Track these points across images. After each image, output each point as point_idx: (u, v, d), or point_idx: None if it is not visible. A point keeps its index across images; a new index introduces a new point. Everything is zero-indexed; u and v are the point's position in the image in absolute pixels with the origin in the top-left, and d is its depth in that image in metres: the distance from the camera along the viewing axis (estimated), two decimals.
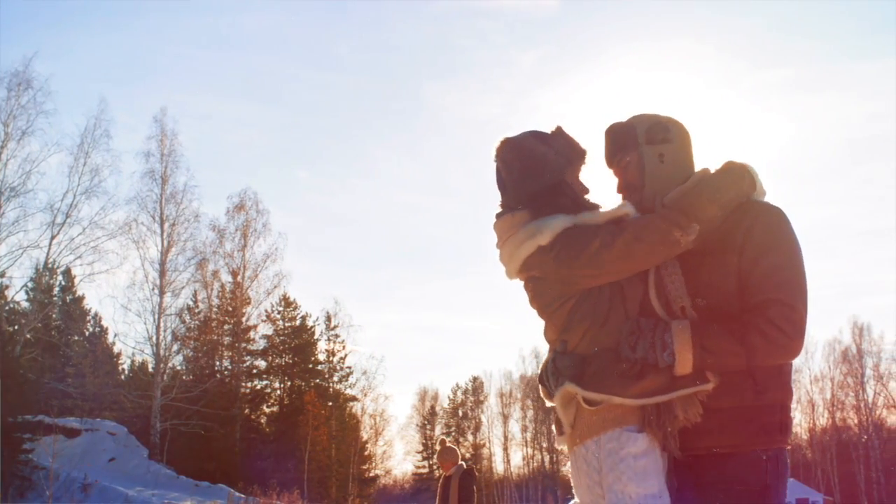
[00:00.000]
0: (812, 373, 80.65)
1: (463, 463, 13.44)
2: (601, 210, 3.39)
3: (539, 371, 3.62)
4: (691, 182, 3.44)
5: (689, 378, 3.20)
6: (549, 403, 3.53)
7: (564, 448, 3.52)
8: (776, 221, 3.34)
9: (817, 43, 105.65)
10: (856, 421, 79.11)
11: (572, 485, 3.50)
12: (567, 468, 3.50)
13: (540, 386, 3.61)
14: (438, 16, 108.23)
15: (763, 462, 3.23)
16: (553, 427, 3.62)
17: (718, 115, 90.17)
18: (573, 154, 3.47)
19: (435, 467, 75.04)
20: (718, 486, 3.22)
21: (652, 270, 3.36)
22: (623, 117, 3.61)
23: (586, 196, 3.49)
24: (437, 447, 14.19)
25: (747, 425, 3.23)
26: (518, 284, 3.48)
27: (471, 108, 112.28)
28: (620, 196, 3.57)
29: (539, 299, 3.45)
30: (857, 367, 78.90)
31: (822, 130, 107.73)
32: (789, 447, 3.38)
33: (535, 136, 3.48)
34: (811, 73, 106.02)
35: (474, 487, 13.17)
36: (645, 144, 3.51)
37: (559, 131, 3.51)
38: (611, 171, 3.66)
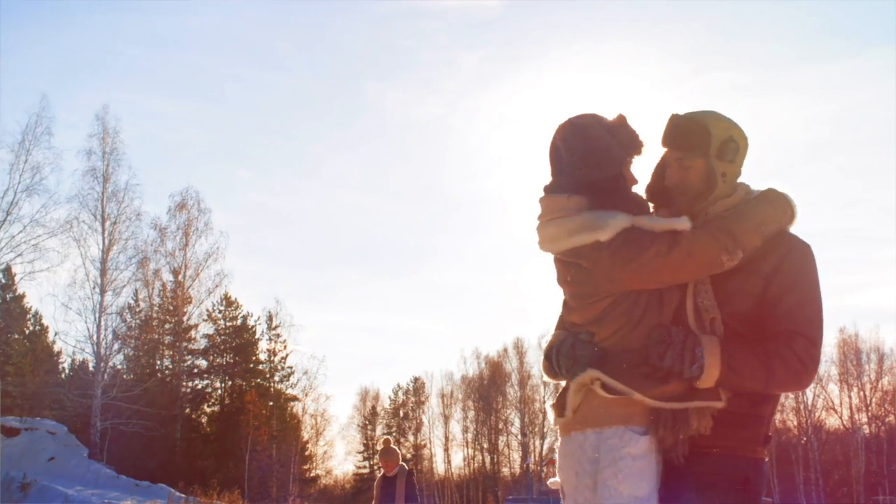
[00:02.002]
0: None
1: (404, 464, 13.56)
2: (658, 217, 3.44)
3: (547, 346, 3.64)
4: (737, 202, 3.54)
5: (707, 392, 3.31)
6: (546, 379, 3.63)
7: (557, 429, 3.63)
8: (807, 258, 3.46)
9: (759, 47, 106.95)
10: (795, 423, 79.84)
11: (557, 466, 3.59)
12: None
13: (544, 360, 3.65)
14: (381, 16, 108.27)
15: (751, 466, 3.42)
16: (549, 408, 3.65)
17: (661, 119, 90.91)
18: (634, 147, 3.51)
19: (376, 467, 75.07)
20: (707, 483, 3.35)
21: (691, 281, 3.45)
22: (698, 107, 3.58)
23: (634, 188, 3.57)
24: (380, 446, 14.18)
25: (742, 431, 3.40)
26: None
27: (413, 108, 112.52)
28: (661, 192, 3.63)
29: (577, 287, 3.48)
30: None
31: (763, 134, 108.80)
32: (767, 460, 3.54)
33: (601, 123, 3.51)
34: (753, 77, 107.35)
35: (416, 489, 13.34)
36: (715, 158, 3.51)
37: (623, 121, 3.54)
38: (658, 154, 3.70)
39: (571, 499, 3.51)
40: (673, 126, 3.57)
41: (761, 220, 3.41)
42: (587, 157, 3.43)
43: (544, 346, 3.67)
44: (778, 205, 3.50)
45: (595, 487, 3.39)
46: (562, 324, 3.69)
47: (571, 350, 3.47)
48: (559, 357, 3.52)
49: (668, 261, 3.28)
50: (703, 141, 3.49)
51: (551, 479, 3.66)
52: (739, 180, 3.62)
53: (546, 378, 3.65)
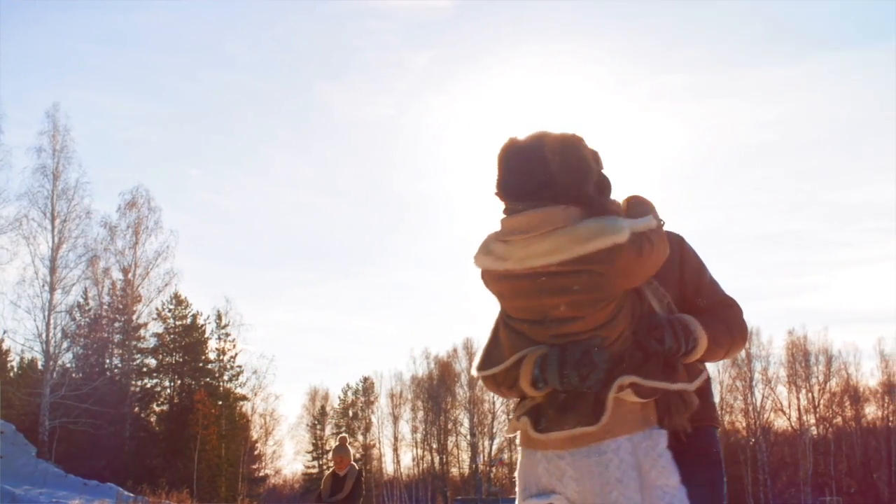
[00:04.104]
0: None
1: (355, 464, 13.75)
2: (635, 219, 3.46)
3: (537, 360, 3.39)
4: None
5: (696, 369, 3.43)
6: (533, 393, 3.41)
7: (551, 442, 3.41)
8: (685, 242, 3.74)
9: (707, 50, 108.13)
10: (744, 424, 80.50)
11: (542, 484, 3.38)
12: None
13: (532, 374, 3.39)
14: (331, 15, 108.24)
15: (714, 436, 3.68)
16: (528, 420, 3.42)
17: (611, 121, 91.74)
18: (599, 162, 3.57)
19: (325, 467, 75.15)
20: (690, 457, 3.40)
21: None
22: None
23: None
24: (336, 443, 14.24)
25: (705, 402, 3.54)
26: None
27: (362, 108, 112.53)
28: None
29: (587, 294, 3.33)
30: (746, 371, 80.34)
31: (714, 136, 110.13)
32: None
33: (579, 138, 3.55)
34: (701, 79, 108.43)
35: (363, 491, 13.55)
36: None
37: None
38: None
39: None
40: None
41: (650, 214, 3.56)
42: (581, 172, 3.45)
43: (526, 363, 3.41)
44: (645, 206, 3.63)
45: (641, 492, 3.26)
46: (536, 339, 3.48)
47: (585, 357, 3.32)
48: (567, 367, 3.33)
49: (656, 255, 3.39)
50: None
51: (549, 499, 3.35)
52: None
53: (528, 391, 3.42)
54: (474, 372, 3.61)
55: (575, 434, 3.31)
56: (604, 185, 3.52)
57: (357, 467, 13.70)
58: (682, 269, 3.65)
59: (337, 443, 14.20)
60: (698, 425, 3.49)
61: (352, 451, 14.20)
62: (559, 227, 3.34)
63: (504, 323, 3.55)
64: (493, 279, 3.49)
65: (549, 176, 3.42)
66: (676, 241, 3.65)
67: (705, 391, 3.56)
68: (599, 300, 3.32)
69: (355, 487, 13.31)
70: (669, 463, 3.29)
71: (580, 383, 3.30)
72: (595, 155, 3.53)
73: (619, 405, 3.30)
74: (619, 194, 3.59)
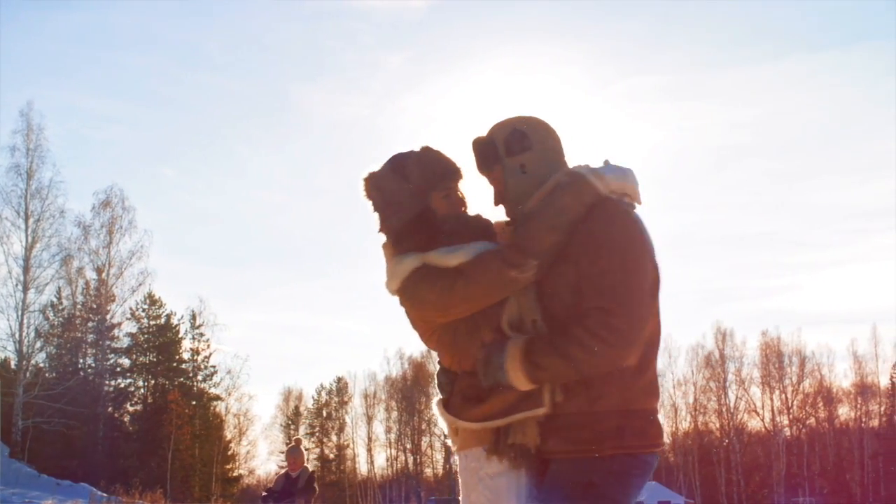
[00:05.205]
0: (675, 377, 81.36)
1: (308, 466, 13.79)
2: (456, 247, 3.36)
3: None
4: (551, 188, 3.38)
5: (529, 401, 3.22)
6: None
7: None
8: (606, 222, 3.25)
9: (683, 51, 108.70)
10: (718, 425, 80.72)
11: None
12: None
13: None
14: (307, 16, 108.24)
15: (595, 468, 3.19)
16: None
17: (586, 121, 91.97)
18: (434, 178, 3.46)
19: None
20: (545, 494, 3.24)
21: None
22: (487, 126, 3.53)
23: (464, 209, 3.51)
24: (291, 443, 14.31)
25: (580, 432, 3.19)
26: (383, 285, 3.51)
27: (338, 108, 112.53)
28: (501, 208, 3.55)
29: (414, 328, 3.54)
30: (720, 372, 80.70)
31: (689, 137, 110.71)
32: (643, 451, 3.26)
33: (394, 167, 3.50)
34: (677, 80, 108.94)
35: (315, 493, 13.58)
36: (506, 157, 3.45)
37: (423, 153, 3.51)
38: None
39: None
40: (472, 153, 3.57)
41: (554, 214, 3.28)
42: (385, 208, 3.47)
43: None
44: (570, 189, 3.32)
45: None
46: None
47: (437, 380, 3.53)
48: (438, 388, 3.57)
49: (455, 294, 3.26)
50: (489, 150, 3.49)
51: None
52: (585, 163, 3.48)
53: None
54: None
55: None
56: (413, 216, 3.44)
57: (310, 469, 13.75)
58: (577, 266, 3.25)
59: (291, 444, 14.26)
60: (567, 457, 3.23)
61: (305, 453, 14.24)
62: (386, 260, 3.48)
63: None
64: None
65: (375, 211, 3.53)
66: (580, 230, 3.26)
67: (582, 419, 3.21)
68: (421, 333, 3.49)
69: (307, 487, 13.37)
70: (491, 487, 3.31)
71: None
72: (425, 171, 3.47)
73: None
74: None
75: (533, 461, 3.29)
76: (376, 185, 3.49)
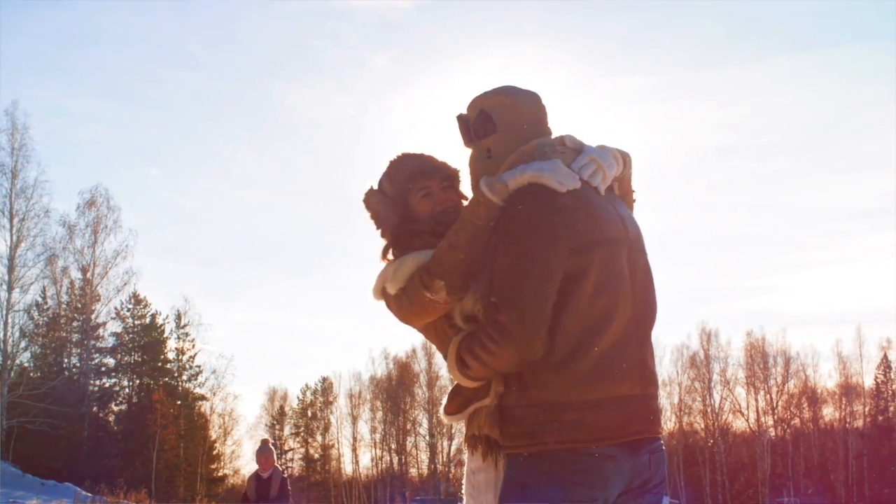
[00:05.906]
0: (660, 377, 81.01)
1: (278, 466, 13.68)
2: (402, 259, 3.36)
3: None
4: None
5: (480, 392, 3.21)
6: None
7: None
8: (511, 213, 3.09)
9: (668, 51, 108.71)
10: (702, 425, 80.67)
11: None
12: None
13: None
14: (290, 15, 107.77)
15: (522, 461, 3.05)
16: None
17: (571, 122, 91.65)
18: (404, 181, 3.47)
19: (284, 468, 74.95)
20: (505, 487, 3.13)
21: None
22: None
23: (453, 202, 3.47)
24: (259, 444, 14.02)
25: (515, 426, 3.05)
26: (368, 284, 3.52)
27: (323, 108, 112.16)
28: None
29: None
30: (705, 373, 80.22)
31: (673, 138, 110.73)
32: (582, 445, 3.00)
33: (378, 183, 3.55)
34: (662, 80, 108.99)
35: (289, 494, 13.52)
36: (476, 140, 3.34)
37: (392, 162, 3.55)
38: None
39: None
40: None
41: (452, 232, 3.18)
42: (376, 227, 3.53)
43: None
44: (469, 204, 3.21)
45: None
46: None
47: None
48: None
49: (404, 311, 3.32)
50: (464, 130, 3.39)
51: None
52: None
53: None
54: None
55: None
56: (402, 225, 3.48)
57: (280, 469, 13.67)
58: (493, 258, 3.10)
59: (259, 444, 14.00)
60: (510, 451, 3.10)
61: (276, 452, 14.11)
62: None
63: None
64: None
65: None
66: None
67: (512, 412, 3.08)
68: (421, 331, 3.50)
69: (282, 491, 13.29)
70: (473, 482, 3.34)
71: None
72: (403, 177, 3.49)
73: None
74: None
75: (496, 451, 3.22)
76: (366, 205, 3.54)
